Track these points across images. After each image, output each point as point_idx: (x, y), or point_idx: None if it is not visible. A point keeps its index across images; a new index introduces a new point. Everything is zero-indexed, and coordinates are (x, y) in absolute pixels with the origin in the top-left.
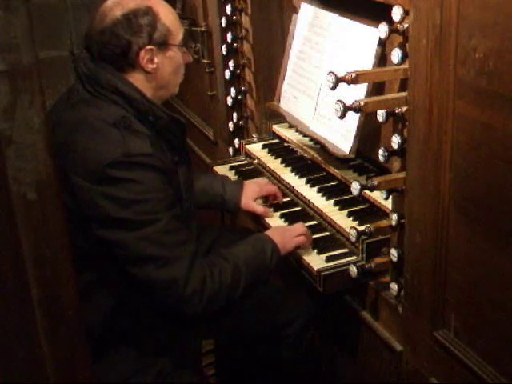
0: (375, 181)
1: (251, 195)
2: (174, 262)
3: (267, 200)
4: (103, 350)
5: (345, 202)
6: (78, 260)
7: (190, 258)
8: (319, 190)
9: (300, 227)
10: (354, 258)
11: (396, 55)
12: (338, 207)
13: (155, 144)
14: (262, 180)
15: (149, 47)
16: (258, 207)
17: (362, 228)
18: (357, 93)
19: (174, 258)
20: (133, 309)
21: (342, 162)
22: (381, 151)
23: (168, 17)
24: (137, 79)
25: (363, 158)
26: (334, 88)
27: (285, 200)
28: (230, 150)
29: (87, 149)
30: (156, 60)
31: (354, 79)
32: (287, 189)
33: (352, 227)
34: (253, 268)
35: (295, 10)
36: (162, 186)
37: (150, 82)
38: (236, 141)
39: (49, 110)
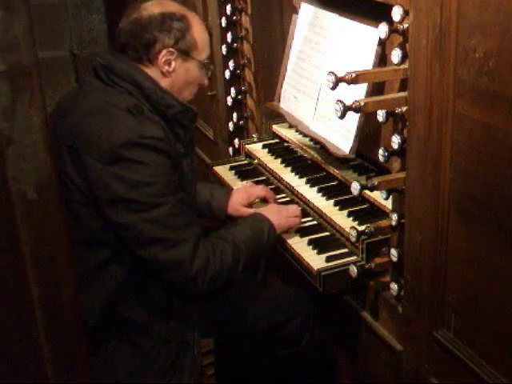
0: (375, 181)
1: (239, 201)
2: (180, 244)
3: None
4: (101, 344)
5: (345, 202)
6: (87, 241)
7: (195, 240)
8: (319, 190)
9: (295, 209)
10: (353, 257)
11: (396, 55)
12: (337, 207)
13: (165, 132)
14: (253, 186)
15: (171, 49)
16: (246, 211)
17: (362, 228)
18: (357, 93)
19: (180, 240)
20: (134, 296)
21: (341, 162)
22: (381, 151)
23: (199, 32)
24: (151, 74)
25: (363, 158)
26: (333, 88)
27: (285, 200)
28: (230, 150)
29: (102, 131)
30: (173, 65)
31: (354, 79)
32: (287, 189)
33: (352, 227)
34: (251, 247)
35: (295, 10)
36: (170, 171)
37: (162, 80)
38: (236, 141)
39: (58, 100)
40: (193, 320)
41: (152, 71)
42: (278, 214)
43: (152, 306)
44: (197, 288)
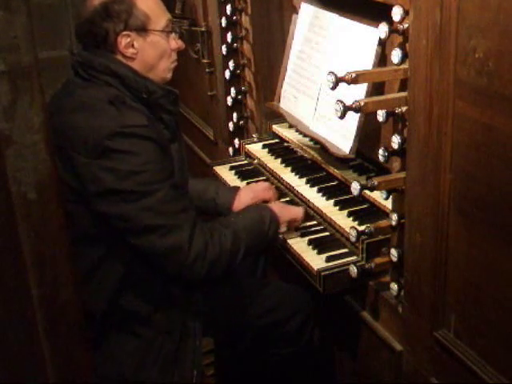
0: (375, 181)
1: (245, 200)
2: (177, 229)
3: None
4: (104, 336)
5: (345, 202)
6: (83, 239)
7: (191, 224)
8: (319, 190)
9: (300, 211)
10: (354, 257)
11: (396, 55)
12: (337, 207)
13: (150, 119)
14: (260, 184)
15: (125, 32)
16: None
17: (362, 228)
18: (357, 93)
19: (176, 226)
20: (135, 288)
21: (341, 162)
22: (381, 151)
23: (146, 3)
24: (124, 62)
25: (363, 158)
26: (333, 88)
27: (285, 200)
28: (230, 150)
29: (86, 126)
30: (136, 45)
31: (354, 79)
32: (287, 189)
33: (352, 227)
34: (251, 235)
35: (295, 10)
36: (159, 158)
37: (132, 65)
38: (236, 141)
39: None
40: (193, 310)
41: (122, 59)
42: (282, 208)
43: (152, 297)
44: (196, 274)
